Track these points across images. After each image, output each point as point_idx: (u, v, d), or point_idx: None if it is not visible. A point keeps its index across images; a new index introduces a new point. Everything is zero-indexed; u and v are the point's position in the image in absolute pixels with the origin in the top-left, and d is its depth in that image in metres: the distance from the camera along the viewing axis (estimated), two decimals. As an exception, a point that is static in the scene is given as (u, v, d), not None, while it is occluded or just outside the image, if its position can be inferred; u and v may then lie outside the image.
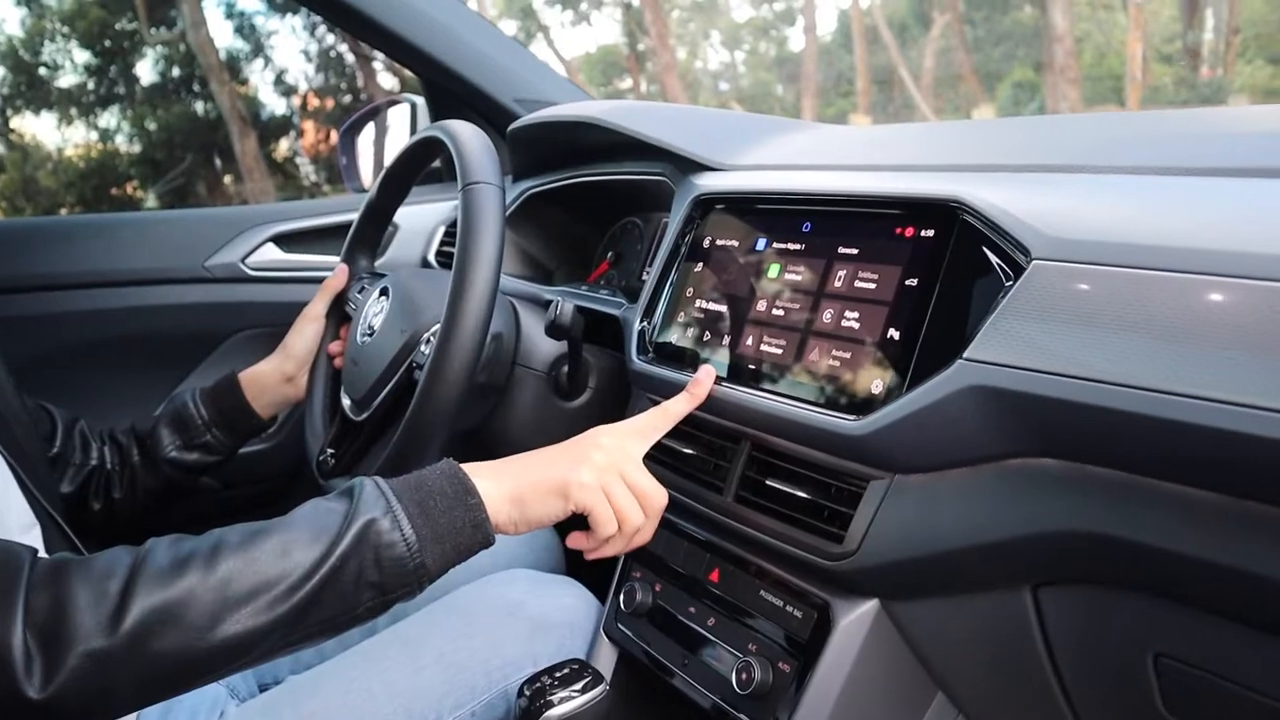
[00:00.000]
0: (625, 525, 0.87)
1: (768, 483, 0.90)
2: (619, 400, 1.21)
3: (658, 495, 0.89)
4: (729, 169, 1.11)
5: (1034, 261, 0.70)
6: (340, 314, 1.36)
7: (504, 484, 0.83)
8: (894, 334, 0.81)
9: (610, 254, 1.53)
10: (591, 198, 1.50)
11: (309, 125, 16.48)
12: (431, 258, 1.72)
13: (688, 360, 1.01)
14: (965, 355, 0.72)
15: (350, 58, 15.70)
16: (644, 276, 1.45)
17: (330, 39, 15.48)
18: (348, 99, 16.04)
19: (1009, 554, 0.74)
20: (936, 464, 0.77)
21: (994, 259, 0.74)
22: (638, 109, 1.26)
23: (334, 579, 0.74)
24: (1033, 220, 0.72)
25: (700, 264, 1.05)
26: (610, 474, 0.87)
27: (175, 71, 15.19)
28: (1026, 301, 0.70)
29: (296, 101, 16.48)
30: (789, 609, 0.90)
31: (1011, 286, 0.71)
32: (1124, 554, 0.67)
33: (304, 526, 0.76)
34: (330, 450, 1.21)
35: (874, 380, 0.81)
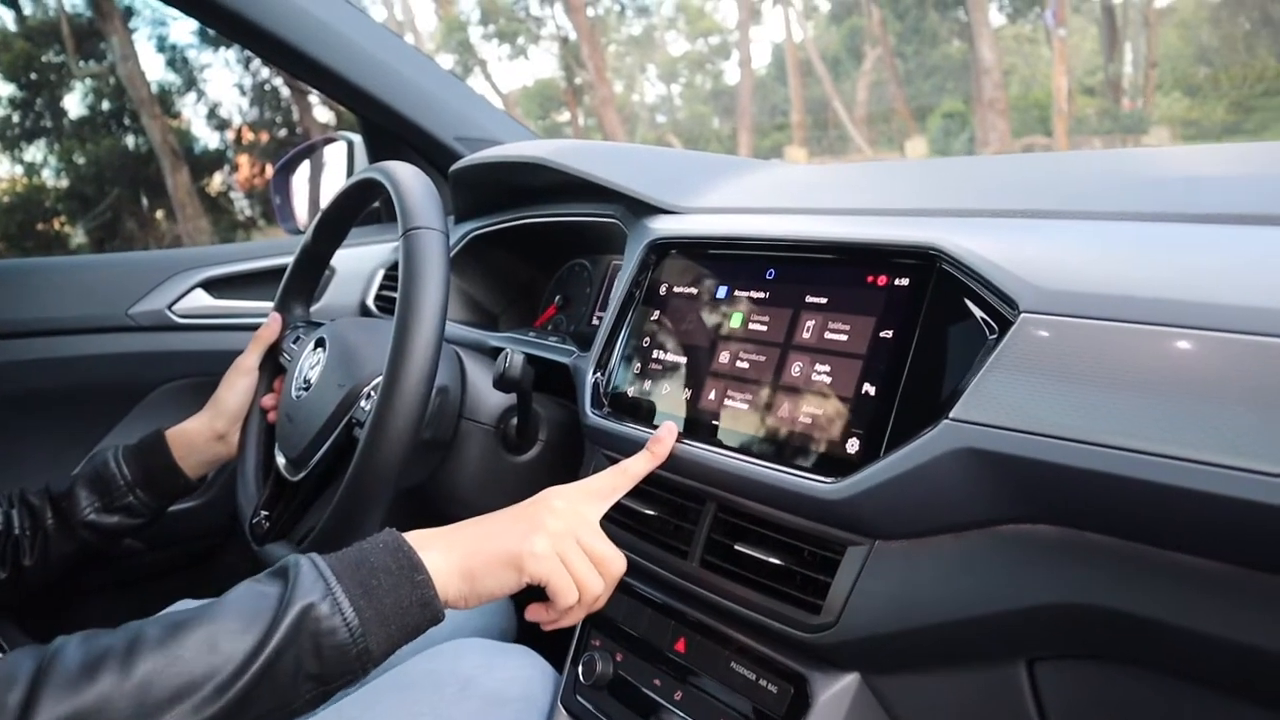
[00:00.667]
0: (584, 594, 0.81)
1: (736, 547, 0.84)
2: (571, 453, 1.15)
3: (616, 561, 0.84)
4: (685, 212, 1.06)
5: (1022, 315, 0.66)
6: (274, 366, 1.28)
7: (453, 556, 0.77)
8: (869, 390, 0.76)
9: (558, 297, 1.48)
10: (537, 239, 1.45)
11: (243, 159, 16.24)
12: (370, 303, 1.64)
13: (645, 414, 0.95)
14: (951, 415, 0.67)
15: (286, 91, 15.53)
16: (594, 321, 1.40)
17: (265, 72, 15.30)
18: (283, 133, 15.85)
19: (1002, 627, 0.69)
20: (920, 530, 0.72)
21: (977, 311, 0.70)
22: (587, 149, 1.21)
23: (269, 673, 0.66)
24: (1019, 271, 0.67)
25: (657, 312, 1.00)
26: (566, 541, 0.81)
27: (104, 105, 14.89)
28: (1015, 358, 0.65)
29: (230, 135, 16.24)
30: (762, 683, 0.84)
31: (999, 341, 0.66)
32: (1128, 629, 0.63)
33: (233, 615, 0.68)
34: (264, 512, 1.14)
35: (849, 439, 0.76)
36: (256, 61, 14.96)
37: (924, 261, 0.76)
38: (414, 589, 0.73)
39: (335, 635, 0.69)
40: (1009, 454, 0.64)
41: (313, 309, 1.34)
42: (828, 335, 0.81)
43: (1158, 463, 0.57)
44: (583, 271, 1.47)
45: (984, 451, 0.65)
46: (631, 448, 0.93)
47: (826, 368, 0.80)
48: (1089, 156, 0.90)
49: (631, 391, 0.99)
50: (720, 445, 0.86)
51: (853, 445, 0.76)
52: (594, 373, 1.04)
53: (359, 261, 1.70)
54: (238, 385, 1.24)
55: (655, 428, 0.92)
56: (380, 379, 0.91)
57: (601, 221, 1.22)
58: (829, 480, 0.75)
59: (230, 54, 15.32)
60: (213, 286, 1.68)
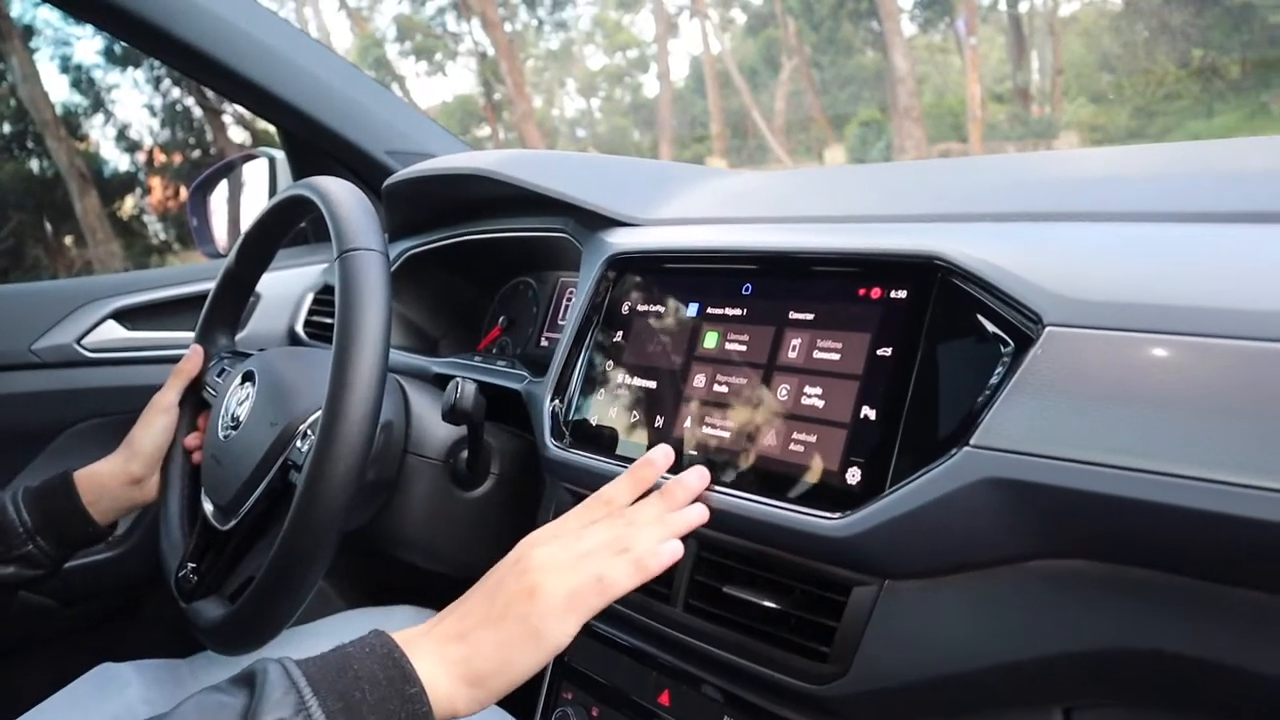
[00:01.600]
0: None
1: (725, 590, 0.77)
2: (526, 486, 1.08)
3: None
4: (645, 224, 0.99)
5: (1047, 329, 0.59)
6: (197, 402, 1.17)
7: (452, 662, 0.65)
8: (868, 413, 0.69)
9: (502, 319, 1.40)
10: (478, 257, 1.37)
11: (156, 182, 15.79)
12: (300, 330, 1.54)
13: (611, 444, 0.88)
14: (972, 442, 0.60)
15: (199, 111, 15.14)
16: (543, 342, 1.32)
17: (177, 92, 14.91)
18: (197, 154, 15.45)
19: (1036, 674, 0.62)
20: (938, 568, 0.65)
21: (990, 325, 0.63)
22: (534, 159, 1.13)
23: None
24: (1039, 280, 0.61)
25: (620, 333, 0.92)
26: (571, 554, 0.69)
27: (5, 128, 14.33)
28: (1041, 376, 0.59)
29: (142, 157, 15.78)
30: (760, 739, 0.76)
31: (1020, 358, 0.60)
32: (1182, 672, 0.56)
33: None
34: (191, 564, 1.03)
35: (848, 468, 0.69)
36: (168, 81, 14.57)
37: (922, 271, 0.69)
38: (405, 703, 0.61)
39: None
40: (1040, 483, 0.58)
41: (238, 338, 1.24)
42: (817, 354, 0.75)
43: (1211, 489, 0.51)
44: (528, 290, 1.39)
45: (1011, 481, 0.59)
46: (596, 480, 0.85)
47: (818, 390, 0.74)
48: (1090, 154, 0.84)
49: (595, 419, 0.91)
50: (701, 477, 0.78)
51: (853, 475, 0.69)
52: (551, 400, 0.96)
53: (286, 285, 1.59)
54: (155, 424, 1.13)
55: (624, 458, 0.84)
56: (318, 415, 0.84)
57: (549, 236, 1.14)
58: (832, 515, 0.68)
59: (139, 74, 14.89)
60: (126, 317, 1.54)
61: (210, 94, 12.92)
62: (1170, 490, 0.53)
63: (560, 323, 1.31)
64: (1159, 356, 0.55)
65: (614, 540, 0.70)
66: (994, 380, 0.61)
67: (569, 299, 1.31)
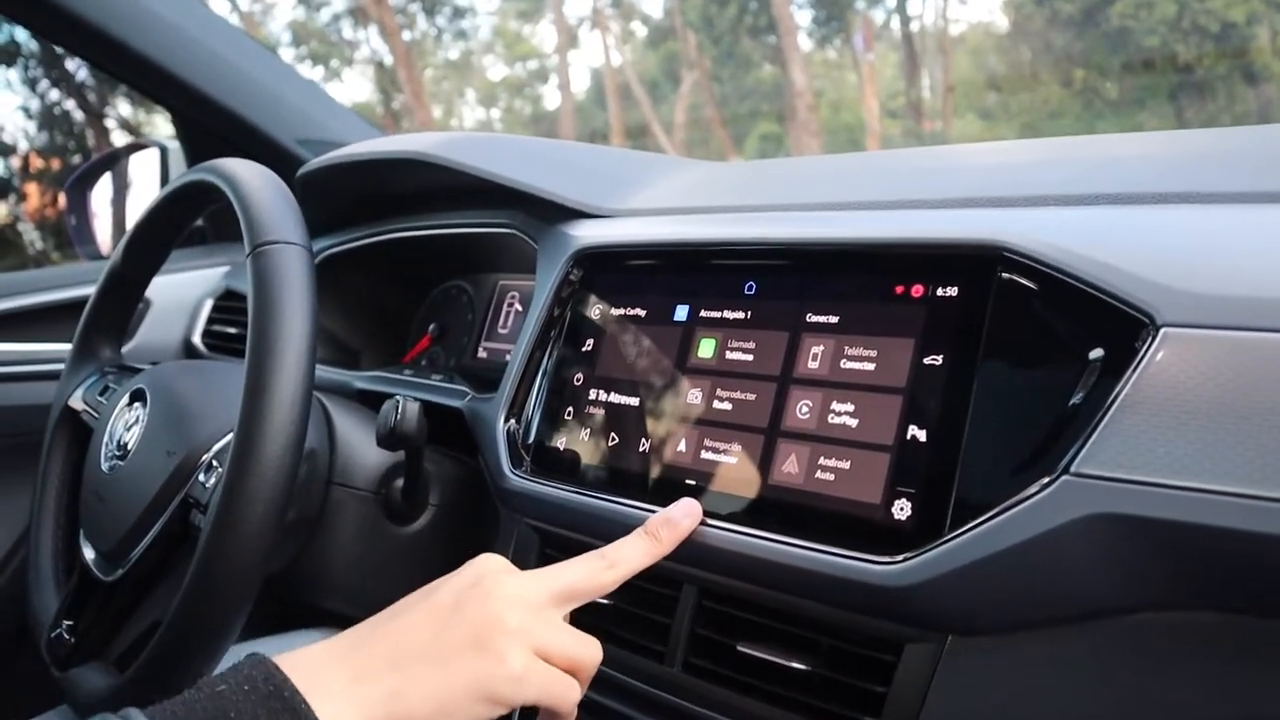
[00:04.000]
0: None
1: (739, 648, 0.64)
2: (469, 517, 0.95)
3: (590, 653, 0.59)
4: (616, 215, 0.86)
5: (1163, 330, 0.48)
6: (75, 426, 1.00)
7: (370, 702, 0.51)
8: (917, 434, 0.58)
9: (431, 327, 1.25)
10: (406, 259, 1.22)
11: (32, 188, 15.02)
12: (198, 341, 1.36)
13: (583, 472, 0.75)
14: (1074, 469, 0.49)
15: (79, 115, 14.44)
16: (480, 353, 1.18)
17: (55, 94, 14.19)
18: (77, 158, 14.74)
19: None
20: (1019, 623, 0.53)
21: (1079, 327, 0.52)
22: (479, 142, 0.99)
23: None
24: (1145, 271, 0.50)
25: (590, 341, 0.79)
26: (538, 633, 0.56)
27: None
28: (1157, 388, 0.48)
29: (16, 163, 14.99)
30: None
31: (1128, 367, 0.49)
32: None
33: None
34: (67, 622, 0.86)
35: (895, 501, 0.57)
36: (45, 82, 13.85)
37: (980, 264, 0.58)
38: None
39: None
40: (1162, 519, 0.47)
41: (124, 350, 1.07)
42: (846, 364, 0.63)
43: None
44: (461, 295, 1.25)
45: (1128, 517, 0.47)
46: (566, 516, 0.72)
47: (849, 406, 0.62)
48: (1153, 136, 0.74)
49: (562, 443, 0.78)
50: (703, 512, 0.66)
51: (901, 509, 0.57)
52: (505, 420, 0.82)
53: (181, 290, 1.41)
54: (26, 454, 0.96)
55: (597, 489, 0.71)
56: (225, 443, 0.75)
57: (490, 233, 1.01)
58: (880, 559, 0.55)
59: (13, 74, 14.13)
60: None
61: (93, 97, 12.34)
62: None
63: (501, 331, 1.17)
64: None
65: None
66: (1088, 393, 0.50)
67: (510, 304, 1.17)
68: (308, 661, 0.52)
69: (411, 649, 0.53)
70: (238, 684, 0.50)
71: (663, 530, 0.63)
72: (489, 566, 0.59)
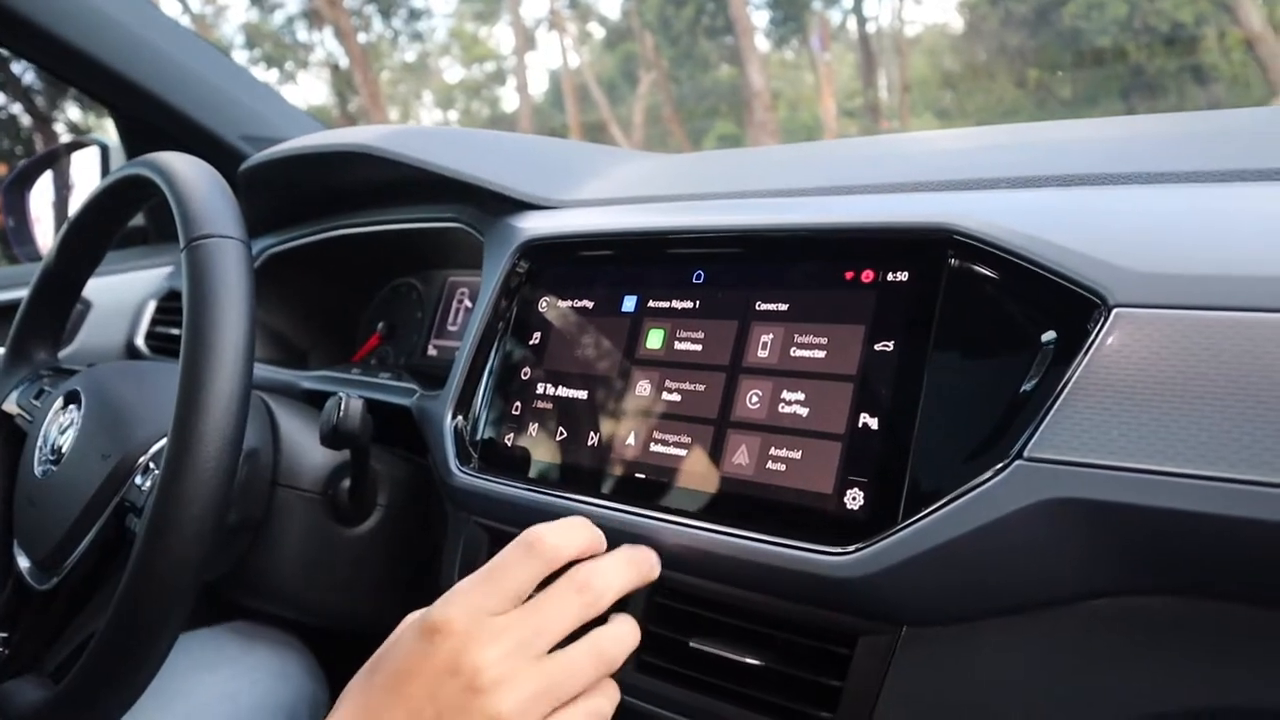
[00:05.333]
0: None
1: (692, 645, 0.62)
2: (417, 518, 0.93)
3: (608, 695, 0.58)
4: (563, 206, 0.84)
5: (1116, 311, 0.47)
6: (8, 431, 0.96)
7: None
8: (868, 422, 0.56)
9: (380, 325, 1.23)
10: (353, 256, 1.20)
11: (-25, 194, 14.72)
12: (141, 343, 1.33)
13: (529, 467, 0.73)
14: (1027, 454, 0.48)
15: (27, 120, 14.16)
16: (430, 351, 1.16)
17: (1, 98, 13.91)
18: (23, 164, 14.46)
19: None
20: (974, 612, 0.52)
21: (1029, 309, 0.51)
22: (425, 134, 0.96)
23: None
24: (1096, 251, 0.49)
25: (537, 334, 0.77)
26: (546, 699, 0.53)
27: None
28: (1109, 369, 0.47)
29: (-42, 169, 14.68)
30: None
31: (1079, 349, 0.48)
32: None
33: None
34: (1, 634, 0.83)
35: (847, 490, 0.56)
36: (-12, 87, 13.58)
37: (930, 249, 0.57)
38: None
39: None
40: (1115, 502, 0.46)
41: (61, 354, 1.03)
42: (796, 352, 0.61)
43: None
44: (410, 293, 1.22)
45: (1081, 501, 0.46)
46: (515, 514, 0.70)
47: (799, 395, 0.60)
48: (1106, 122, 0.73)
49: (510, 439, 0.76)
50: (652, 506, 0.64)
51: (854, 498, 0.55)
52: (453, 417, 0.80)
53: (122, 291, 1.37)
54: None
55: (546, 485, 0.69)
56: (162, 445, 0.73)
57: (438, 228, 0.99)
58: (832, 550, 0.54)
59: (-45, 79, 13.83)
60: None
61: (40, 101, 12.09)
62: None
63: (450, 328, 1.15)
64: (1267, 339, 0.44)
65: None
66: (1040, 377, 0.49)
67: (460, 301, 1.15)
68: None
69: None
70: None
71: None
72: (455, 633, 0.53)
